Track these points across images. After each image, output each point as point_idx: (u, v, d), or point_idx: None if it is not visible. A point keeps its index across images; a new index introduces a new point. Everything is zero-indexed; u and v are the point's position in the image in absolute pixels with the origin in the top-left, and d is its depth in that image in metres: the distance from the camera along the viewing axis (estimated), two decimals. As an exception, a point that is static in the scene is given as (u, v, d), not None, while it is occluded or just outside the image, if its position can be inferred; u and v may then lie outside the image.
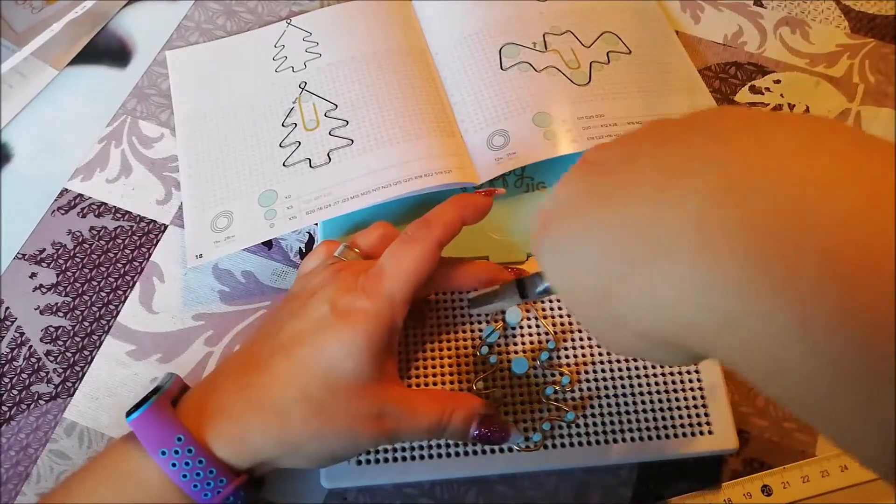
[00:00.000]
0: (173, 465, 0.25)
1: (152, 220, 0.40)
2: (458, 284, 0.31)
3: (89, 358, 0.36)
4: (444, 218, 0.30)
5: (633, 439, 0.32)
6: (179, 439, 0.25)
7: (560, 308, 0.35)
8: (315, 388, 0.26)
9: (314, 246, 0.38)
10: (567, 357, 0.34)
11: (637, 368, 0.33)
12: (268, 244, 0.39)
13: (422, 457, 0.32)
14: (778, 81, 0.45)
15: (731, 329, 0.15)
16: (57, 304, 0.38)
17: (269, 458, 0.26)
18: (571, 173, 0.21)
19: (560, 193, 0.22)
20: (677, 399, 0.33)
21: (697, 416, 0.32)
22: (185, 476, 0.25)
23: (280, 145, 0.39)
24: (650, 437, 0.32)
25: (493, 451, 0.32)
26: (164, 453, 0.25)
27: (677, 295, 0.16)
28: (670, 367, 0.33)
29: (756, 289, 0.14)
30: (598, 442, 0.32)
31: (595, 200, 0.19)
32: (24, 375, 0.36)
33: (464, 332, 0.34)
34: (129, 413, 0.26)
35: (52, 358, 0.36)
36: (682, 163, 0.17)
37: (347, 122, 0.39)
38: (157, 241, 0.39)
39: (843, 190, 0.14)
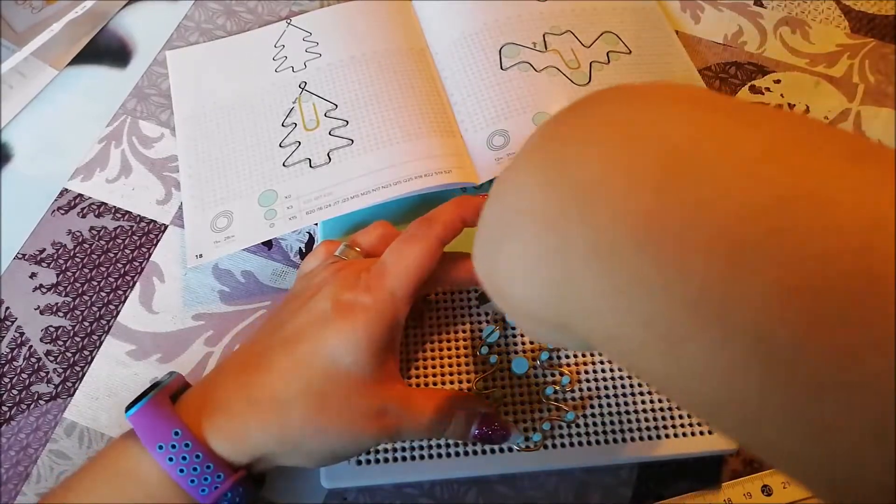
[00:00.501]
0: (170, 459, 0.25)
1: (152, 220, 0.40)
2: (459, 281, 0.31)
3: (89, 358, 0.36)
4: (446, 217, 0.30)
5: (633, 439, 0.32)
6: (177, 433, 0.25)
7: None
8: (316, 384, 0.26)
9: (314, 246, 0.38)
10: (567, 357, 0.34)
11: (637, 368, 0.33)
12: (268, 244, 0.39)
13: (422, 457, 0.32)
14: (778, 81, 0.45)
15: (580, 308, 0.15)
16: (57, 304, 0.38)
17: (268, 453, 0.26)
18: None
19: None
20: (677, 399, 0.33)
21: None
22: (182, 471, 0.25)
23: (280, 145, 0.39)
24: (650, 437, 0.32)
25: (493, 450, 0.32)
26: (161, 448, 0.25)
27: (528, 273, 0.17)
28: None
29: (573, 255, 0.15)
30: (598, 442, 0.32)
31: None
32: (24, 375, 0.36)
33: (464, 332, 0.34)
34: (127, 408, 0.26)
35: (52, 358, 0.36)
36: (528, 151, 0.18)
37: (347, 122, 0.39)
38: (157, 241, 0.39)
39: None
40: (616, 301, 0.14)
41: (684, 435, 0.32)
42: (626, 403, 0.33)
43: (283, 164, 0.38)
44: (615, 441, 0.32)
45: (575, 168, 0.15)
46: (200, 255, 0.37)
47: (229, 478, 0.26)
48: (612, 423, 0.32)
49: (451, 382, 0.33)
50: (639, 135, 0.14)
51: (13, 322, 0.37)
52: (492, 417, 0.29)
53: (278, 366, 0.27)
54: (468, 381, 0.33)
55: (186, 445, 0.25)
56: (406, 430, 0.28)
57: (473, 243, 0.21)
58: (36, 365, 0.36)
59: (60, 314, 0.37)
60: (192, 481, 0.25)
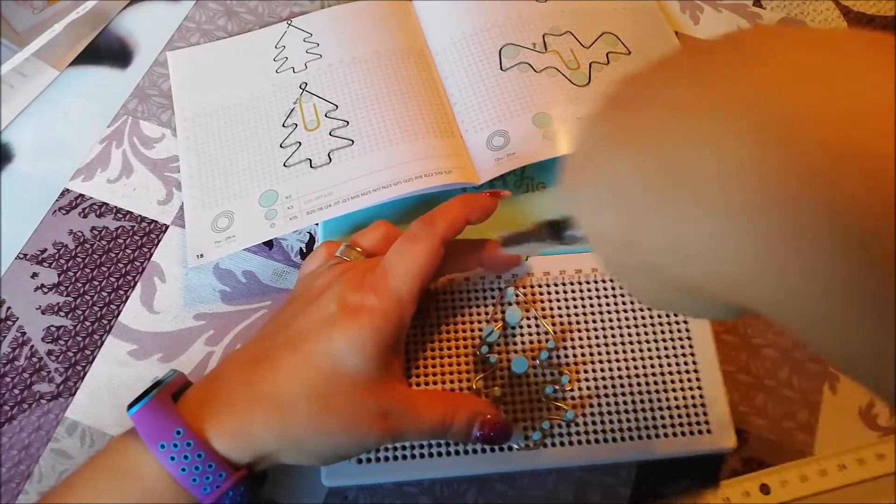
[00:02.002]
0: (172, 458, 0.25)
1: (153, 221, 0.40)
2: (468, 266, 0.32)
3: (91, 357, 0.36)
4: (449, 216, 0.30)
5: (632, 438, 0.32)
6: (178, 432, 0.25)
7: (560, 308, 0.35)
8: (320, 383, 0.26)
9: (315, 246, 0.38)
10: (566, 356, 0.34)
11: (636, 368, 0.33)
12: (268, 244, 0.39)
13: (422, 455, 0.32)
14: (777, 82, 0.45)
15: (775, 285, 0.14)
16: (58, 303, 0.38)
17: (271, 451, 0.26)
18: (595, 112, 0.19)
19: (584, 136, 0.20)
20: (676, 398, 0.33)
21: (696, 415, 0.33)
22: (183, 469, 0.25)
23: (281, 146, 0.39)
24: (649, 436, 0.32)
25: (492, 449, 0.32)
26: (162, 447, 0.25)
27: (710, 244, 0.15)
28: (671, 367, 0.33)
29: (796, 240, 0.13)
30: (597, 441, 0.32)
31: (620, 140, 0.17)
32: (26, 375, 0.36)
33: (464, 331, 0.34)
34: (129, 407, 0.26)
35: (53, 357, 0.36)
36: (712, 99, 0.15)
37: (348, 122, 0.39)
38: (159, 242, 0.39)
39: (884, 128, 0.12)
40: (820, 279, 0.13)
41: (683, 434, 0.32)
42: (625, 402, 0.33)
43: (284, 165, 0.39)
44: (614, 440, 0.32)
45: (799, 131, 0.13)
46: (201, 255, 0.37)
47: (231, 477, 0.26)
48: (611, 422, 0.32)
49: (451, 382, 0.33)
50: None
51: (14, 322, 0.37)
52: (494, 419, 0.29)
53: (283, 365, 0.27)
54: (468, 381, 0.33)
55: (188, 444, 0.25)
56: (408, 432, 0.28)
57: (577, 195, 0.19)
58: (37, 364, 0.36)
59: (62, 314, 0.37)
60: (194, 480, 0.25)
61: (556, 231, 0.26)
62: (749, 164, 0.14)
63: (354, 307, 0.27)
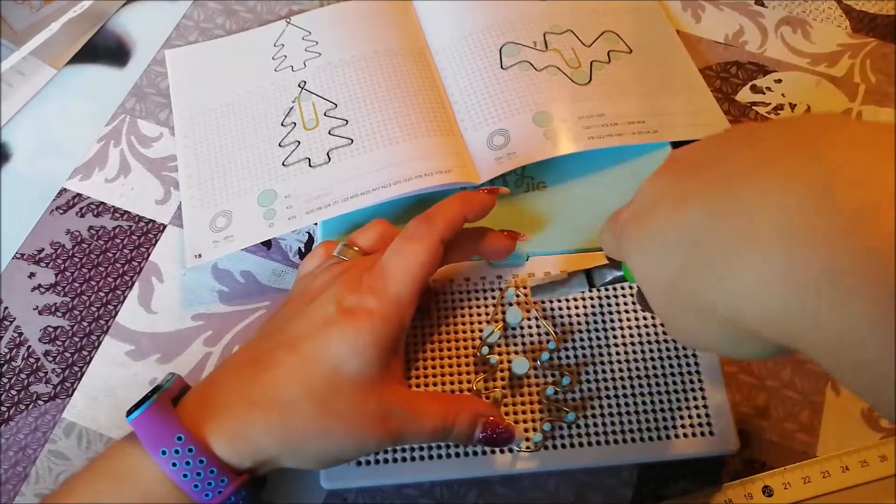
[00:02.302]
0: (174, 464, 0.25)
1: (151, 220, 0.40)
2: (465, 255, 0.33)
3: (88, 358, 0.36)
4: (447, 214, 0.30)
5: (633, 440, 0.32)
6: (179, 438, 0.25)
7: (560, 308, 0.35)
8: (320, 386, 0.26)
9: (313, 246, 0.38)
10: (567, 357, 0.33)
11: (638, 369, 0.33)
12: (267, 244, 0.39)
13: (422, 457, 0.31)
14: (779, 81, 0.45)
15: (814, 322, 0.16)
16: (55, 304, 0.37)
17: (271, 456, 0.26)
18: (659, 171, 0.23)
19: (647, 190, 0.23)
20: (678, 400, 0.33)
21: (698, 416, 0.32)
22: (185, 476, 0.25)
23: (279, 144, 0.39)
24: (651, 438, 0.32)
25: (493, 451, 0.32)
26: (164, 453, 0.25)
27: (764, 287, 0.17)
28: (673, 368, 0.33)
29: (840, 286, 0.15)
30: (598, 443, 0.32)
31: (685, 196, 0.20)
32: (23, 375, 0.36)
33: (464, 332, 0.34)
34: (129, 412, 0.26)
35: (50, 358, 0.36)
36: (771, 161, 0.18)
37: (347, 121, 0.39)
38: (156, 241, 0.39)
39: None
40: (877, 333, 0.15)
41: (685, 436, 0.32)
42: (626, 404, 0.33)
43: (283, 164, 0.38)
44: (616, 442, 0.32)
45: (844, 193, 0.16)
46: (199, 255, 0.36)
47: (232, 482, 0.25)
48: (612, 423, 0.32)
49: (452, 383, 0.33)
50: None
51: (12, 322, 0.37)
52: (496, 420, 0.29)
53: (282, 369, 0.27)
54: (468, 382, 0.33)
55: (189, 450, 0.25)
56: (409, 434, 0.27)
57: (639, 242, 0.22)
58: (34, 365, 0.36)
59: (59, 314, 0.37)
60: (196, 486, 0.25)
61: (591, 279, 0.30)
62: (807, 224, 0.16)
63: (353, 309, 0.27)
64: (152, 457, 0.25)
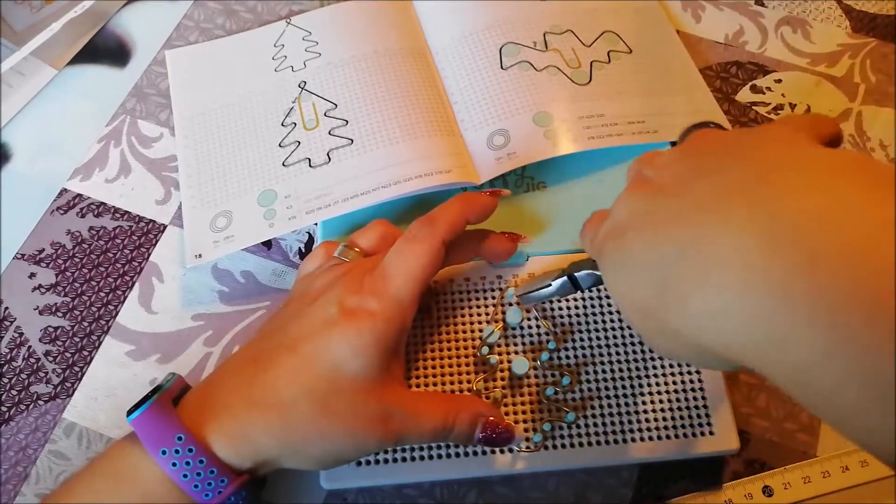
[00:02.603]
0: (174, 464, 0.25)
1: (151, 220, 0.40)
2: (466, 256, 0.33)
3: (88, 358, 0.36)
4: (449, 216, 0.30)
5: (633, 440, 0.32)
6: (180, 438, 0.25)
7: (560, 308, 0.35)
8: (321, 387, 0.26)
9: (313, 247, 0.38)
10: (567, 357, 0.33)
11: (638, 369, 0.33)
12: (267, 244, 0.39)
13: (422, 458, 0.31)
14: (779, 81, 0.45)
15: (773, 351, 0.17)
16: (56, 304, 0.37)
17: (271, 456, 0.26)
18: (631, 190, 0.24)
19: (622, 209, 0.24)
20: (678, 400, 0.33)
21: (698, 416, 0.32)
22: (185, 476, 0.25)
23: (279, 145, 0.39)
24: (651, 438, 0.32)
25: (493, 451, 0.32)
26: (164, 453, 0.25)
27: (724, 318, 0.18)
28: (673, 368, 0.33)
29: (791, 316, 0.17)
30: (598, 443, 0.32)
31: (657, 220, 0.21)
32: (24, 376, 0.36)
33: (464, 332, 0.34)
34: (129, 412, 0.26)
35: (51, 358, 0.36)
36: (736, 193, 0.19)
37: (347, 121, 0.39)
38: (157, 241, 0.39)
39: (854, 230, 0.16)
40: (829, 362, 0.16)
41: (685, 436, 0.32)
42: (626, 404, 0.33)
43: (283, 164, 0.38)
44: (616, 442, 0.32)
45: (804, 235, 0.17)
46: (199, 255, 0.36)
47: (232, 482, 0.25)
48: (612, 423, 0.32)
49: (452, 383, 0.33)
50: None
51: (12, 322, 0.37)
52: (496, 421, 0.29)
53: (282, 369, 0.27)
54: (468, 382, 0.33)
55: (189, 450, 0.25)
56: (410, 435, 0.28)
57: (612, 261, 0.23)
58: (35, 365, 0.36)
59: (59, 314, 0.37)
60: (196, 486, 0.25)
61: (576, 283, 0.30)
62: (763, 263, 0.17)
63: (354, 310, 0.27)
64: (152, 457, 0.25)
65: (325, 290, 0.29)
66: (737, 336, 0.18)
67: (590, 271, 0.30)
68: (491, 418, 0.29)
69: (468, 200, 0.31)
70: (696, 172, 0.22)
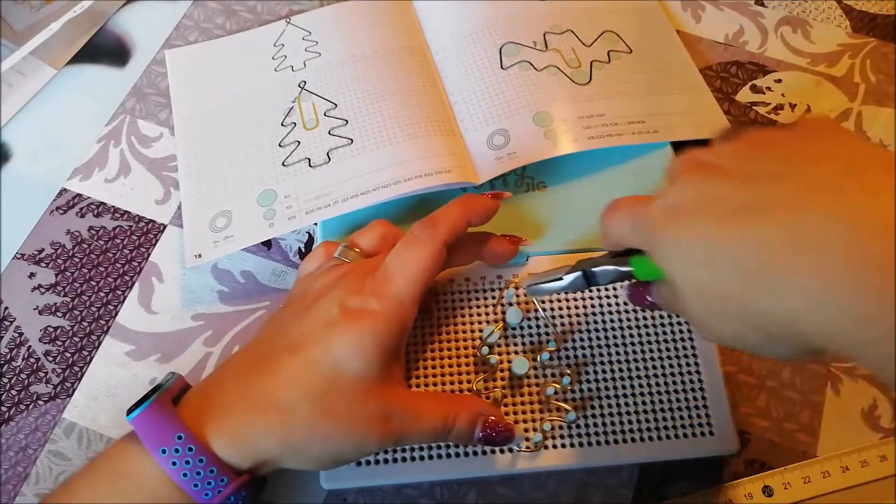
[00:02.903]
0: (173, 463, 0.25)
1: (151, 220, 0.40)
2: (467, 259, 0.33)
3: (88, 358, 0.36)
4: (450, 218, 0.30)
5: (633, 440, 0.32)
6: (180, 437, 0.25)
7: (561, 308, 0.35)
8: (321, 388, 0.26)
9: (313, 247, 0.38)
10: (568, 357, 0.33)
11: (638, 369, 0.33)
12: (267, 244, 0.39)
13: (422, 458, 0.31)
14: (779, 81, 0.45)
15: (874, 326, 0.19)
16: (56, 304, 0.37)
17: (272, 457, 0.26)
18: (693, 173, 0.24)
19: (684, 190, 0.23)
20: (678, 400, 0.33)
21: (698, 416, 0.32)
22: (185, 475, 0.25)
23: (279, 145, 0.39)
24: (651, 438, 0.32)
25: (493, 451, 0.32)
26: (164, 452, 0.25)
27: (826, 298, 0.19)
28: (673, 368, 0.33)
29: (864, 307, 0.18)
30: (598, 443, 0.32)
31: (736, 206, 0.22)
32: (23, 376, 0.36)
33: (464, 332, 0.34)
34: (129, 411, 0.26)
35: (50, 358, 0.36)
36: (828, 187, 0.20)
37: (347, 121, 0.39)
38: (156, 241, 0.39)
39: None
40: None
41: (685, 436, 0.32)
42: (626, 404, 0.33)
43: (283, 164, 0.38)
44: (616, 442, 0.32)
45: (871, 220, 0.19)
46: (199, 255, 0.36)
47: (232, 482, 0.25)
48: (612, 423, 0.32)
49: (451, 383, 0.33)
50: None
51: (12, 322, 0.37)
52: (496, 420, 0.29)
53: (283, 369, 0.27)
54: (468, 382, 0.33)
55: (189, 450, 0.25)
56: (410, 435, 0.28)
57: (678, 243, 0.23)
58: (35, 365, 0.36)
59: (59, 314, 0.37)
60: (196, 485, 0.25)
61: (590, 278, 0.29)
62: (867, 246, 0.18)
63: (356, 311, 0.27)
64: (152, 456, 0.25)
65: (326, 291, 0.29)
66: (833, 316, 0.19)
67: (614, 268, 0.28)
68: (491, 418, 0.29)
69: (470, 203, 0.31)
70: (776, 164, 0.22)
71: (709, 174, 0.23)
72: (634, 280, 0.28)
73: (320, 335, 0.27)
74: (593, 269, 0.29)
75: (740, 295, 0.21)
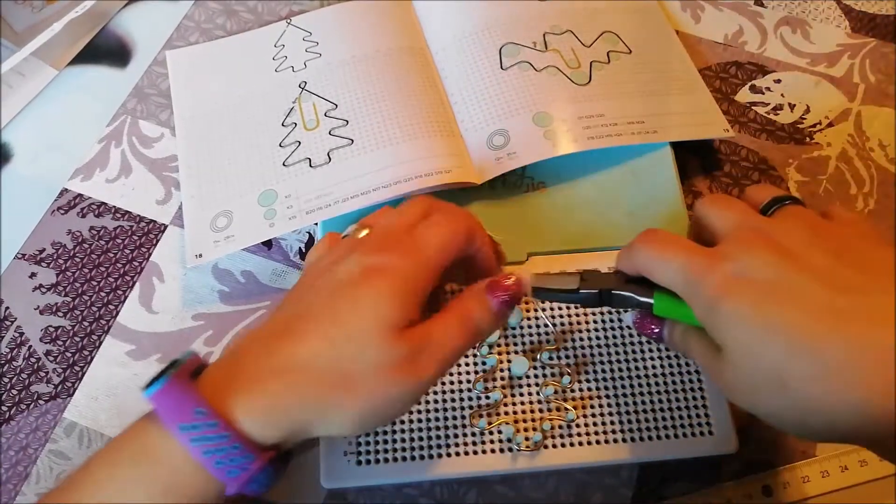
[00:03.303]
0: (194, 440, 0.23)
1: (152, 220, 0.40)
2: (469, 282, 0.30)
3: (89, 358, 0.36)
4: (484, 236, 0.30)
5: (633, 439, 0.32)
6: (199, 413, 0.23)
7: (560, 308, 0.35)
8: (347, 346, 0.25)
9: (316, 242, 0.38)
10: (567, 357, 0.34)
11: (638, 369, 0.33)
12: (267, 244, 0.39)
13: (422, 457, 0.32)
14: (778, 81, 0.45)
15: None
16: (56, 303, 0.37)
17: (303, 424, 0.25)
18: (761, 248, 0.25)
19: (753, 263, 0.25)
20: (678, 399, 0.33)
21: (698, 416, 0.32)
22: (207, 452, 0.23)
23: (280, 145, 0.39)
24: (651, 438, 0.32)
25: (493, 451, 0.32)
26: (183, 428, 0.23)
27: (878, 411, 0.22)
28: (673, 368, 0.33)
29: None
30: (598, 442, 0.32)
31: (828, 309, 0.23)
32: (24, 375, 0.36)
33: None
34: (146, 387, 0.24)
35: (51, 358, 0.36)
36: (866, 310, 0.23)
37: (347, 121, 0.39)
38: (157, 241, 0.39)
39: None
40: None
41: (685, 436, 0.32)
42: (626, 404, 0.33)
43: (283, 164, 0.38)
44: (616, 441, 0.32)
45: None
46: (200, 255, 0.37)
47: (259, 458, 0.24)
48: (612, 423, 0.32)
49: (451, 383, 0.33)
50: None
51: (13, 322, 0.37)
52: (497, 281, 0.28)
53: (306, 330, 0.25)
54: (468, 382, 0.33)
55: (210, 425, 0.23)
56: (440, 365, 0.26)
57: (738, 312, 0.24)
58: (35, 365, 0.36)
59: (60, 314, 0.37)
60: (219, 462, 0.23)
61: (607, 299, 0.28)
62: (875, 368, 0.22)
63: (376, 268, 0.26)
64: (171, 434, 0.23)
65: (343, 257, 0.27)
66: (842, 418, 0.22)
67: (633, 296, 0.28)
68: (491, 283, 0.28)
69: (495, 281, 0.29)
70: (852, 273, 0.24)
71: (786, 259, 0.25)
72: (647, 311, 0.28)
73: (341, 293, 0.26)
74: (612, 292, 0.28)
75: (806, 386, 0.23)
